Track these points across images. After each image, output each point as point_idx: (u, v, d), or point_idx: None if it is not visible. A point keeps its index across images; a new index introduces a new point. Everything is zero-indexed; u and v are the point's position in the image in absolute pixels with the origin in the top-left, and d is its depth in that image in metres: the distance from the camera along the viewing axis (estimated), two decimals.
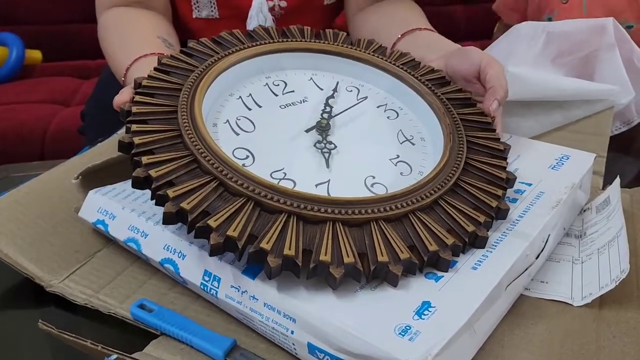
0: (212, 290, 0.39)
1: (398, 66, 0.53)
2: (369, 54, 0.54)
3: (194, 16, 0.78)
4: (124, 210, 0.45)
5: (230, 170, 0.38)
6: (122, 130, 0.66)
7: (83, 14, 1.67)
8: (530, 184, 0.48)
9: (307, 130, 0.47)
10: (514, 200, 0.46)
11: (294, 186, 0.41)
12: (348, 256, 0.36)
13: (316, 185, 0.42)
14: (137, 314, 0.40)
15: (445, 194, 0.42)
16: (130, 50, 0.65)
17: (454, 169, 0.44)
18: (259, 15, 0.76)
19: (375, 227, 0.38)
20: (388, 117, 0.51)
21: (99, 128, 0.69)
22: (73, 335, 0.38)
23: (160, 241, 0.42)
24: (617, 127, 0.69)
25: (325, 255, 0.35)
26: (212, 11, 0.77)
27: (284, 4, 0.77)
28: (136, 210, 0.44)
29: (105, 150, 0.57)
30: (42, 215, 0.49)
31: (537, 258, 0.43)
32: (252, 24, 0.76)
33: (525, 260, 0.41)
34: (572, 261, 0.46)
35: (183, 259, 0.40)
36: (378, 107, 0.52)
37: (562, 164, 0.51)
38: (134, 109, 0.42)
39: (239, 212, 0.37)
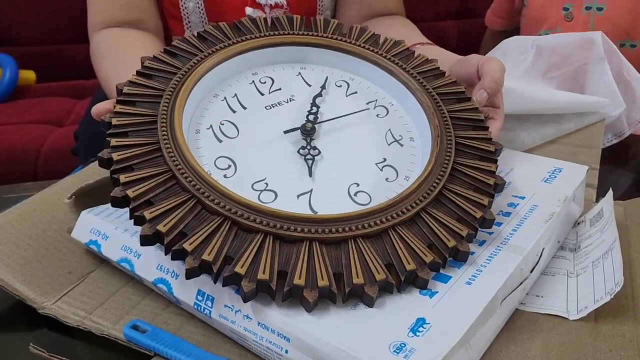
0: (206, 310, 0.38)
1: (390, 58, 0.52)
2: (360, 45, 0.53)
3: (185, 36, 0.78)
4: (116, 230, 0.45)
5: (208, 188, 0.38)
6: None
7: (77, 35, 1.68)
8: (523, 197, 0.48)
9: (287, 132, 0.46)
10: (507, 214, 0.46)
11: (275, 198, 0.41)
12: (322, 279, 0.35)
13: (298, 197, 0.42)
14: (130, 335, 0.39)
15: (428, 205, 0.41)
16: (122, 70, 0.66)
17: (440, 176, 0.43)
18: None
19: (353, 246, 0.38)
20: (377, 115, 0.50)
21: (92, 148, 0.69)
22: (65, 358, 0.37)
23: (154, 261, 0.41)
24: (609, 139, 0.69)
25: (300, 279, 0.35)
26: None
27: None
28: (129, 230, 0.44)
29: (98, 170, 0.56)
30: (34, 236, 0.49)
31: (531, 272, 0.43)
32: None
33: (519, 275, 0.41)
34: (567, 275, 0.46)
35: (176, 279, 0.40)
36: (368, 102, 0.51)
37: (555, 176, 0.51)
38: (114, 121, 0.41)
39: (215, 233, 0.36)
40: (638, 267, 0.46)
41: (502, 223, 0.45)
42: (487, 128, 0.49)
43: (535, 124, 0.63)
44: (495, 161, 0.46)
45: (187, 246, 0.35)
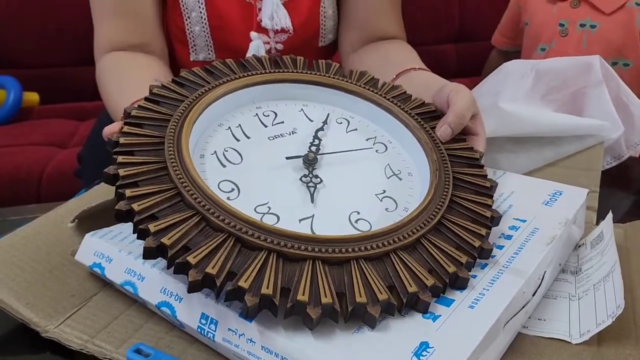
0: (209, 334, 0.39)
1: (389, 99, 0.54)
2: (360, 86, 0.55)
3: (191, 59, 0.79)
4: (120, 253, 0.45)
5: (213, 205, 0.39)
6: None
7: (80, 58, 1.70)
8: (524, 221, 0.49)
9: (289, 158, 0.47)
10: (509, 237, 0.46)
11: (277, 221, 0.41)
12: (326, 296, 0.36)
13: (300, 221, 0.42)
14: (133, 359, 0.39)
15: (428, 233, 0.42)
16: (128, 93, 0.67)
17: (439, 206, 0.44)
18: None
19: (356, 266, 0.38)
20: (377, 151, 0.51)
21: (95, 171, 0.69)
22: None
23: (157, 284, 0.42)
24: (608, 161, 0.70)
25: (303, 295, 0.35)
26: (209, 54, 0.79)
27: (280, 46, 0.79)
28: (133, 253, 0.44)
29: (102, 192, 0.57)
30: (38, 259, 0.49)
31: (533, 295, 0.43)
32: None
33: (522, 298, 0.41)
34: (568, 298, 0.46)
35: (180, 302, 0.40)
36: (367, 139, 0.52)
37: (556, 199, 0.52)
38: (122, 140, 0.42)
39: (219, 248, 0.37)
40: (639, 290, 0.46)
41: (503, 246, 0.45)
42: (482, 166, 0.50)
43: (536, 147, 0.64)
44: (491, 196, 0.48)
45: (191, 259, 0.35)
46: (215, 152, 0.46)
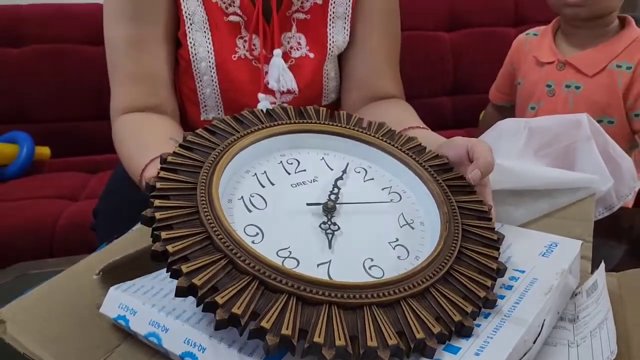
0: None
1: (404, 151, 0.58)
2: (378, 138, 0.59)
3: (202, 118, 0.84)
4: (144, 305, 0.47)
5: (240, 249, 0.42)
6: (138, 226, 0.70)
7: (90, 112, 1.76)
8: (523, 271, 0.52)
9: (309, 204, 0.50)
10: (509, 287, 0.49)
11: (297, 265, 0.45)
12: (340, 339, 0.39)
13: (318, 265, 0.45)
14: None
15: (437, 282, 0.45)
16: (146, 151, 0.71)
17: (447, 257, 0.47)
18: None
19: (368, 312, 0.41)
20: (392, 200, 0.55)
21: (112, 225, 0.73)
22: None
23: (181, 335, 0.44)
24: (601, 212, 0.73)
25: (319, 337, 0.38)
26: (218, 113, 0.84)
27: (285, 106, 0.83)
28: (156, 306, 0.47)
29: (123, 246, 0.60)
30: (64, 311, 0.52)
31: (534, 343, 0.46)
32: None
33: (523, 346, 0.44)
34: (567, 345, 0.49)
35: (203, 352, 0.43)
36: (383, 189, 0.56)
37: (552, 251, 0.55)
38: (158, 185, 0.46)
39: (244, 290, 0.40)
40: (635, 337, 0.49)
41: (505, 296, 0.48)
42: (490, 219, 0.53)
43: (532, 199, 0.68)
44: (498, 248, 0.51)
45: (219, 299, 0.39)
46: (242, 197, 0.50)
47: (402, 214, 0.53)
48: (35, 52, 1.77)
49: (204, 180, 0.47)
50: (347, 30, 0.84)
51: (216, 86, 0.81)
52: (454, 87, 1.93)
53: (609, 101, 1.01)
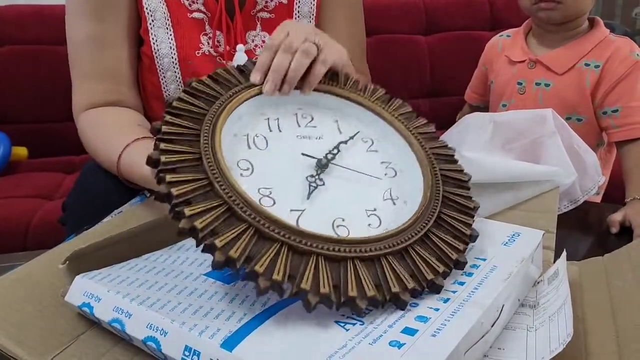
0: None
1: (412, 131, 0.60)
2: (395, 117, 0.60)
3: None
4: (109, 292, 0.48)
5: (238, 197, 0.45)
6: (108, 218, 0.70)
7: (67, 114, 1.73)
8: (484, 259, 0.53)
9: (304, 154, 0.53)
10: (470, 274, 0.50)
11: (273, 205, 0.48)
12: (324, 287, 0.42)
13: (290, 210, 0.48)
14: None
15: (415, 243, 0.48)
16: (121, 138, 0.71)
17: (427, 221, 0.51)
18: None
19: (351, 265, 0.44)
20: (385, 174, 0.57)
21: (80, 218, 0.73)
22: None
23: (144, 320, 0.44)
24: (566, 205, 0.75)
25: (306, 284, 0.42)
26: None
27: None
28: (121, 292, 0.47)
29: (92, 237, 0.60)
30: (29, 299, 0.52)
31: (492, 326, 0.47)
32: None
33: (480, 328, 0.45)
34: (526, 329, 0.50)
35: (165, 336, 0.43)
36: (382, 162, 0.58)
37: (514, 240, 0.56)
38: (164, 128, 0.49)
39: (241, 236, 0.44)
40: (590, 321, 0.50)
41: (465, 282, 0.49)
42: (469, 188, 0.57)
43: (496, 192, 0.69)
44: (473, 216, 0.54)
45: (218, 242, 0.42)
46: (247, 134, 0.53)
47: (390, 189, 0.55)
48: (12, 53, 1.76)
49: (207, 128, 0.49)
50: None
51: (180, 82, 0.81)
52: (431, 90, 1.95)
53: (578, 99, 1.03)
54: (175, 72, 0.80)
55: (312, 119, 0.58)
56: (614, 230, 0.78)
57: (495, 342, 0.48)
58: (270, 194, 0.48)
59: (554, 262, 0.61)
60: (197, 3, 0.78)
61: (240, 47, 0.79)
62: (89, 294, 0.49)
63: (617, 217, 0.80)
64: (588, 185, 0.74)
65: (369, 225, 0.51)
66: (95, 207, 0.69)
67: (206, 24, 0.79)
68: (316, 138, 0.56)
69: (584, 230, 0.76)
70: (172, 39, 0.79)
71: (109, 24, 0.78)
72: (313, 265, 0.43)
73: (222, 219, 0.44)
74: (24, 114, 1.76)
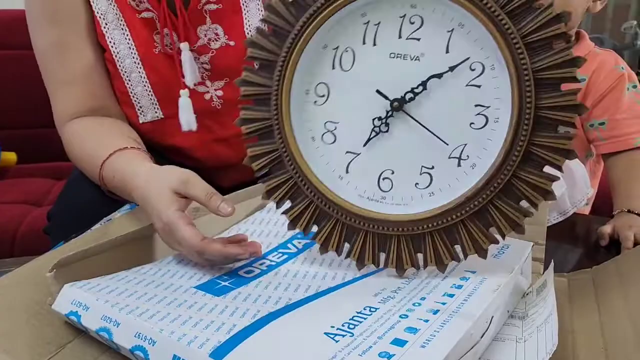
0: None
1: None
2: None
3: (140, 121, 0.83)
4: (97, 301, 0.47)
5: (303, 175, 0.52)
6: (96, 226, 0.69)
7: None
8: (474, 272, 0.53)
9: (378, 92, 0.49)
10: (460, 287, 0.51)
11: (334, 141, 0.52)
12: (368, 259, 0.53)
13: (346, 152, 0.52)
14: None
15: (466, 218, 0.49)
16: (107, 146, 0.71)
17: (489, 191, 0.48)
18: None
19: (396, 241, 0.51)
20: (471, 124, 0.47)
21: (65, 228, 0.72)
22: None
23: (132, 329, 0.44)
24: (555, 217, 0.76)
25: (354, 257, 0.53)
26: (155, 112, 0.82)
27: (220, 93, 0.83)
28: (110, 302, 0.47)
29: (80, 245, 0.60)
30: (16, 308, 0.51)
31: (481, 337, 0.47)
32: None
33: (470, 339, 0.45)
34: (515, 340, 0.50)
35: (153, 345, 0.43)
36: (476, 105, 0.47)
37: (503, 252, 0.57)
38: (242, 90, 0.54)
39: (306, 209, 0.53)
40: (579, 334, 0.51)
41: (454, 295, 0.49)
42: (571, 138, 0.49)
43: None
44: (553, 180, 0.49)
45: (289, 216, 0.55)
46: (337, 47, 0.50)
47: (464, 145, 0.47)
48: (1, 58, 1.75)
49: (277, 84, 0.51)
50: (261, 9, 0.83)
51: (146, 81, 0.80)
52: None
53: None
54: (139, 72, 0.79)
55: (422, 24, 0.46)
56: (604, 243, 0.79)
57: (485, 353, 0.48)
58: (335, 129, 0.50)
59: (543, 273, 0.61)
60: (145, 3, 0.78)
61: (184, 45, 0.78)
62: (77, 302, 0.48)
63: (606, 229, 0.80)
64: (577, 197, 0.75)
65: (416, 184, 0.49)
66: (79, 217, 0.69)
67: (157, 22, 0.78)
68: (413, 58, 0.46)
69: (573, 242, 0.76)
70: (129, 39, 0.78)
71: (69, 28, 0.76)
72: (362, 240, 0.51)
73: (290, 193, 0.53)
74: (13, 119, 1.75)
